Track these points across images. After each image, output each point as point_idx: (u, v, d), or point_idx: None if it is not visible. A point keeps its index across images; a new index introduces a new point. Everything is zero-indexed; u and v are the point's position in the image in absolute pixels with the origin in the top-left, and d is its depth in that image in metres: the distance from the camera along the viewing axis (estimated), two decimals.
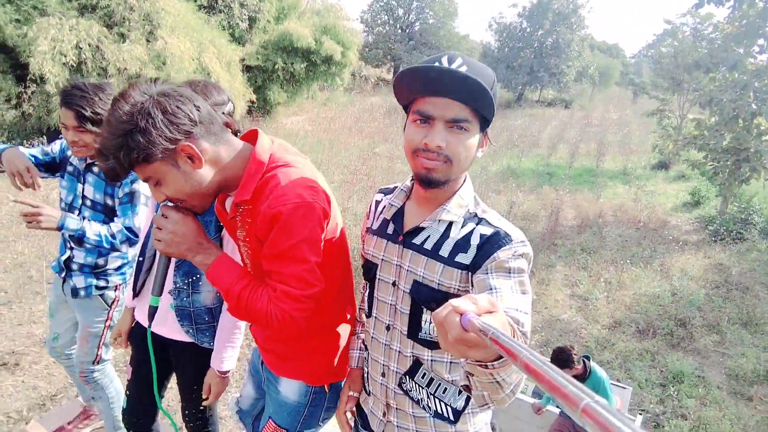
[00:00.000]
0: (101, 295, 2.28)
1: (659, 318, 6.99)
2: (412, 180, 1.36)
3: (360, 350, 1.57)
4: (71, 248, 2.22)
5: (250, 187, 1.26)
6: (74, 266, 2.22)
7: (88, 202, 2.13)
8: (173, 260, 1.50)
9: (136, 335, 2.00)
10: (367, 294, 1.46)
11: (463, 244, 1.23)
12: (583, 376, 3.61)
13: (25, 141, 9.33)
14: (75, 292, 2.24)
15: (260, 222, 1.24)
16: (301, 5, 17.30)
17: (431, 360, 1.31)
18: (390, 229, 1.37)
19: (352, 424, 1.59)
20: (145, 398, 1.94)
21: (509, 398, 0.95)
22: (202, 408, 2.01)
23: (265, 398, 1.71)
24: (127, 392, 2.05)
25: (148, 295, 1.87)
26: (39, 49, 8.65)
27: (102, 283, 2.25)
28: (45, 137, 9.49)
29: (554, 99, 33.00)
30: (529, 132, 21.02)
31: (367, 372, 1.48)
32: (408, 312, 1.31)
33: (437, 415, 1.34)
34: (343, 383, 1.60)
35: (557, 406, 3.76)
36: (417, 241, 1.30)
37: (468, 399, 1.33)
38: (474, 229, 1.24)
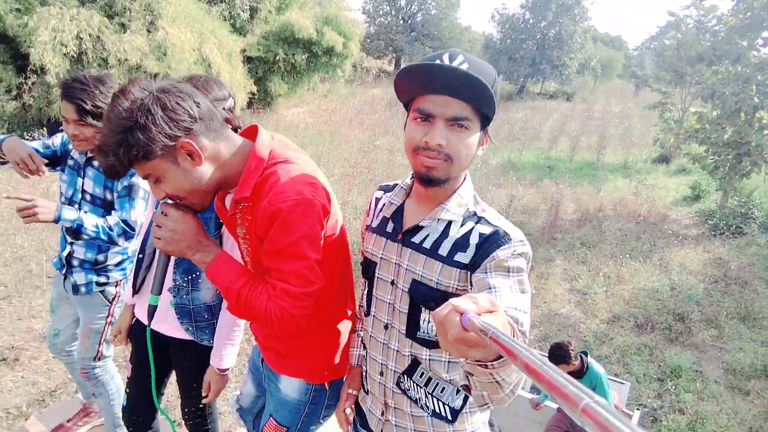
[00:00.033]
0: (102, 292, 2.27)
1: (658, 312, 7.01)
2: (412, 178, 1.35)
3: (359, 348, 1.57)
4: (71, 243, 2.21)
5: (250, 183, 1.25)
6: (75, 262, 2.21)
7: (88, 197, 2.12)
8: (173, 258, 1.49)
9: (136, 332, 2.00)
10: (365, 292, 1.46)
11: (462, 243, 1.23)
12: (581, 372, 3.62)
13: (25, 132, 9.30)
14: (76, 288, 2.23)
15: (260, 219, 1.23)
16: None
17: (429, 359, 1.31)
18: (389, 228, 1.37)
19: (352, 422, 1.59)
20: (145, 396, 1.93)
21: (509, 398, 0.95)
22: (201, 405, 2.01)
23: (265, 396, 1.71)
24: (127, 390, 2.05)
25: (148, 292, 1.88)
26: (39, 40, 8.61)
27: (102, 280, 2.25)
28: (45, 129, 9.46)
29: (556, 91, 32.84)
30: (530, 125, 20.95)
31: (366, 371, 1.48)
32: (406, 311, 1.31)
33: (435, 415, 1.34)
34: (343, 380, 1.60)
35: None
36: (416, 239, 1.29)
37: (466, 398, 1.33)
38: (473, 228, 1.24)
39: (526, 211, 10.81)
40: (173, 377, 2.08)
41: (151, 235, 1.80)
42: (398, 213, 1.36)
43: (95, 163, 2.11)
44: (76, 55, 9.14)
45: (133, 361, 2.01)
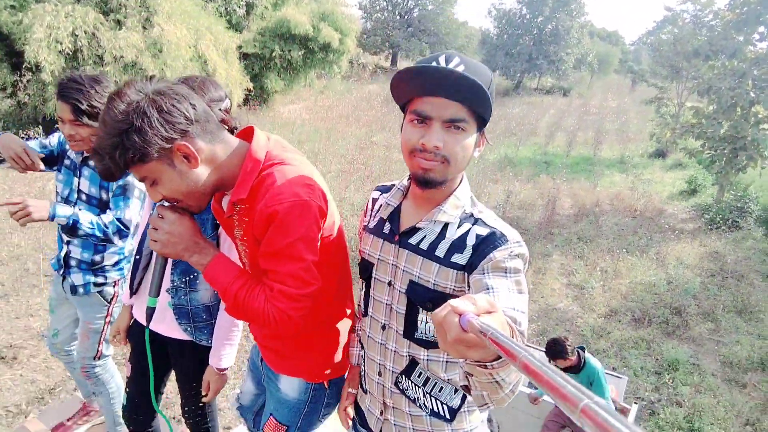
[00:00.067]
0: (100, 292, 2.27)
1: (655, 306, 7.03)
2: (409, 179, 1.35)
3: (359, 348, 1.57)
4: (67, 243, 2.21)
5: (247, 185, 1.25)
6: (72, 262, 2.21)
7: (84, 196, 2.12)
8: (170, 260, 1.49)
9: (135, 333, 2.00)
10: (363, 293, 1.46)
11: (459, 245, 1.23)
12: (578, 367, 3.63)
13: (20, 130, 9.26)
14: (74, 289, 2.23)
15: (257, 221, 1.23)
16: None
17: (427, 359, 1.31)
18: (386, 229, 1.37)
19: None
20: (145, 396, 1.93)
21: (508, 398, 0.95)
22: (201, 404, 2.02)
23: (265, 394, 1.71)
24: (127, 389, 2.05)
25: (146, 294, 1.88)
26: (34, 37, 8.56)
27: (100, 280, 2.25)
28: (41, 127, 9.43)
29: (553, 87, 32.83)
30: (526, 120, 20.95)
31: (364, 370, 1.48)
32: (404, 312, 1.31)
33: (434, 414, 1.35)
34: (342, 379, 1.61)
35: None
36: (413, 241, 1.30)
37: (464, 397, 1.34)
38: (470, 229, 1.25)
39: (523, 207, 10.83)
40: (173, 375, 2.09)
41: (148, 236, 1.80)
42: (395, 214, 1.36)
43: (91, 162, 2.10)
44: (71, 53, 9.09)
45: (133, 361, 2.01)
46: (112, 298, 2.31)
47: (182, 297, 1.81)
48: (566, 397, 0.48)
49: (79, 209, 1.98)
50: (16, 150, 1.95)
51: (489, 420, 1.49)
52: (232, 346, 1.85)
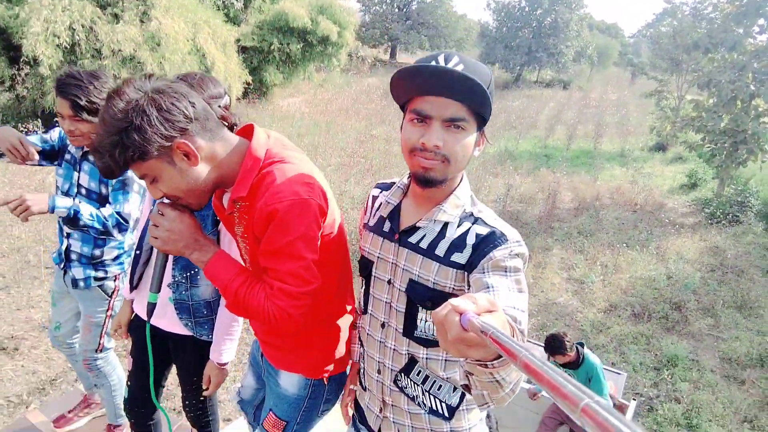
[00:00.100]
0: (100, 286, 2.29)
1: (654, 301, 7.04)
2: (409, 177, 1.35)
3: (359, 344, 1.57)
4: (68, 236, 2.21)
5: (247, 183, 1.25)
6: (73, 256, 2.22)
7: (83, 191, 2.13)
8: (171, 256, 1.50)
9: (136, 327, 2.01)
10: (363, 290, 1.46)
11: (458, 244, 1.23)
12: (576, 363, 3.64)
13: (19, 124, 9.25)
14: (75, 283, 2.25)
15: (257, 219, 1.24)
16: None
17: (426, 358, 1.31)
18: (386, 227, 1.37)
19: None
20: (146, 389, 1.95)
21: (509, 397, 0.96)
22: (202, 398, 2.04)
23: (265, 389, 1.72)
24: (128, 383, 2.07)
25: (146, 289, 1.88)
26: (32, 31, 8.53)
27: (100, 274, 2.26)
28: (40, 120, 9.41)
29: (552, 80, 32.74)
30: (526, 113, 20.93)
31: (364, 368, 1.49)
32: (404, 310, 1.31)
33: (432, 412, 1.35)
34: (341, 375, 1.61)
35: None
36: (413, 239, 1.30)
37: (463, 396, 1.34)
38: (470, 228, 1.25)
39: (523, 200, 10.83)
40: (174, 368, 2.10)
41: (149, 232, 1.80)
42: (395, 212, 1.36)
43: (91, 157, 2.09)
44: (69, 46, 9.07)
45: (134, 355, 2.03)
46: (113, 292, 2.33)
47: (183, 292, 1.82)
48: (567, 397, 0.48)
49: (80, 201, 1.99)
50: (12, 141, 1.96)
51: (488, 416, 1.49)
52: (232, 341, 1.86)
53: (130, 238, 2.31)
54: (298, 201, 1.21)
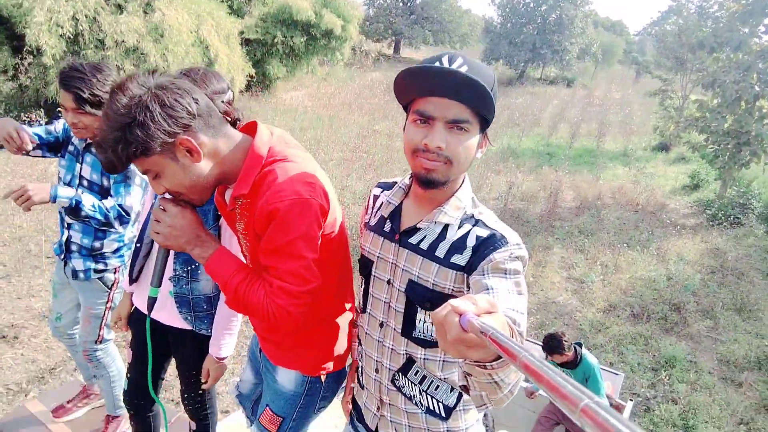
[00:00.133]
0: (100, 278, 2.29)
1: (654, 302, 7.05)
2: (410, 177, 1.35)
3: (358, 343, 1.58)
4: (68, 227, 2.22)
5: (249, 181, 1.25)
6: (73, 247, 2.23)
7: (85, 182, 2.13)
8: (172, 251, 1.50)
9: (136, 320, 2.02)
10: (362, 289, 1.47)
11: (459, 246, 1.24)
12: (574, 363, 3.65)
13: (22, 113, 9.25)
14: (75, 274, 2.25)
15: (258, 217, 1.24)
16: None
17: (424, 358, 1.32)
18: (387, 227, 1.37)
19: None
20: (145, 381, 1.96)
21: (507, 398, 0.96)
22: (200, 392, 2.05)
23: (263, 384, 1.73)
24: (128, 375, 2.08)
25: (146, 282, 1.88)
26: (35, 20, 8.51)
27: (100, 267, 2.27)
28: (42, 110, 9.40)
29: (556, 77, 32.65)
30: (530, 111, 20.89)
31: (362, 366, 1.49)
32: (402, 310, 1.32)
33: (429, 412, 1.35)
34: (339, 373, 1.62)
35: None
36: (413, 240, 1.30)
37: (460, 396, 1.34)
38: (470, 230, 1.25)
39: (524, 198, 10.82)
40: (173, 361, 2.11)
41: (150, 225, 1.80)
42: (396, 213, 1.36)
43: (94, 149, 2.10)
44: (72, 37, 9.05)
45: (134, 348, 2.04)
46: (112, 284, 2.33)
47: (184, 286, 1.82)
48: (566, 397, 0.48)
49: (82, 192, 1.99)
50: (8, 130, 1.96)
51: (485, 415, 1.50)
52: (231, 336, 1.87)
53: (131, 231, 2.31)
54: (299, 200, 1.21)
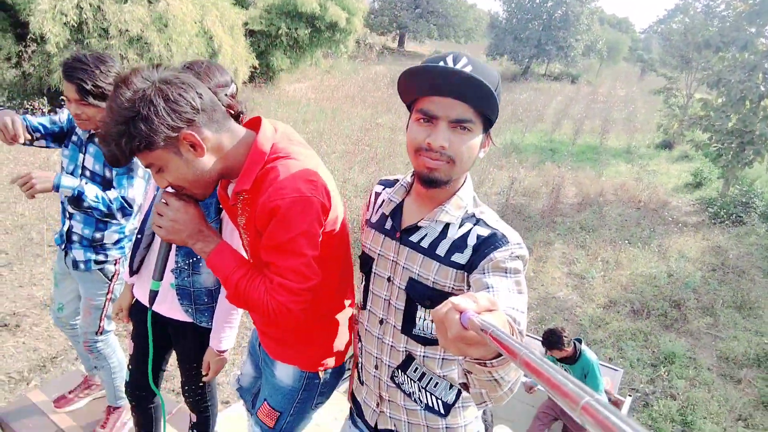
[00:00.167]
0: (101, 270, 2.29)
1: (654, 299, 7.05)
2: (412, 175, 1.35)
3: (358, 340, 1.58)
4: (70, 218, 2.22)
5: (251, 177, 1.26)
6: (74, 237, 2.23)
7: (88, 173, 2.13)
8: (174, 245, 1.51)
9: (137, 311, 2.03)
10: (363, 286, 1.47)
11: (459, 244, 1.24)
12: (573, 358, 3.66)
13: (25, 101, 9.24)
14: (75, 264, 2.26)
15: (259, 214, 1.24)
16: None
17: (423, 356, 1.32)
18: (388, 225, 1.37)
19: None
20: (147, 372, 1.98)
21: (507, 396, 0.96)
22: (201, 384, 2.05)
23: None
24: (129, 367, 2.09)
25: (147, 274, 1.88)
26: (39, 8, 8.48)
27: (101, 258, 2.26)
28: (46, 98, 9.39)
29: (561, 73, 32.48)
30: (533, 106, 20.83)
31: (361, 363, 1.50)
32: (403, 308, 1.32)
33: (428, 409, 1.36)
34: (337, 370, 1.62)
35: None
36: (414, 238, 1.30)
37: (459, 393, 1.35)
38: (471, 229, 1.25)
39: (527, 194, 10.81)
40: (174, 355, 2.12)
41: (151, 216, 1.80)
42: (397, 211, 1.37)
43: (97, 140, 2.09)
44: (76, 25, 9.01)
45: (135, 340, 2.04)
46: (113, 276, 2.33)
47: (185, 278, 1.83)
48: (567, 395, 0.49)
49: (85, 182, 1.99)
50: (4, 121, 1.96)
51: (483, 410, 1.50)
52: (231, 329, 1.87)
53: (132, 223, 2.31)
54: (300, 198, 1.21)
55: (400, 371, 1.37)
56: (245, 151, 1.28)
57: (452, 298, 0.77)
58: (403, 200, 1.37)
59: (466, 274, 1.22)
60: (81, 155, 2.14)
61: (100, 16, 9.32)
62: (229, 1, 13.01)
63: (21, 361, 3.84)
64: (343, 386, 1.77)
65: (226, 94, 1.65)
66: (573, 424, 3.72)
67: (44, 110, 8.90)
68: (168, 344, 2.04)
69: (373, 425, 1.48)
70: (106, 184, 2.12)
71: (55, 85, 9.08)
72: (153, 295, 1.41)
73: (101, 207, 1.99)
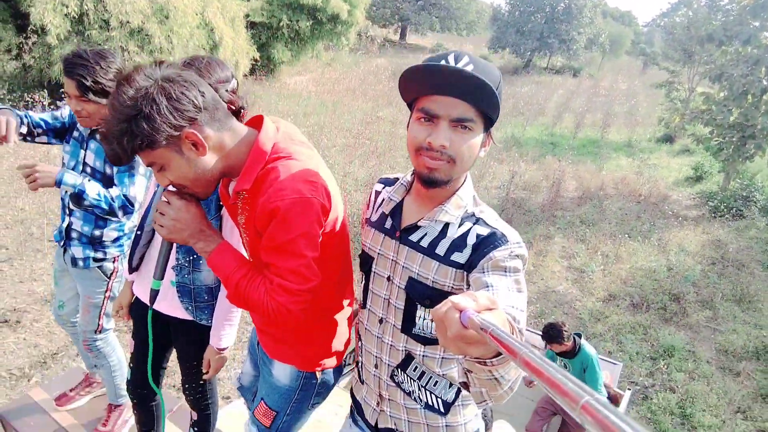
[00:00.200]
0: (99, 267, 2.28)
1: (654, 292, 7.07)
2: (412, 174, 1.35)
3: (358, 339, 1.58)
4: (69, 214, 2.21)
5: (251, 176, 1.26)
6: (73, 234, 2.21)
7: (89, 169, 2.11)
8: (175, 243, 1.51)
9: (137, 309, 2.02)
10: (363, 285, 1.47)
11: (459, 244, 1.24)
12: (572, 352, 3.67)
13: (25, 94, 9.21)
14: (74, 261, 2.24)
15: (259, 214, 1.24)
16: None
17: (423, 355, 1.33)
18: (387, 224, 1.37)
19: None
20: (147, 371, 1.98)
21: (507, 395, 0.96)
22: (201, 382, 2.05)
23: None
24: (131, 365, 2.08)
25: (146, 271, 1.87)
26: None
27: (99, 255, 2.25)
28: (46, 91, 9.36)
29: (563, 66, 32.34)
30: (535, 100, 20.76)
31: (361, 362, 1.50)
32: (402, 307, 1.32)
33: (428, 407, 1.37)
34: (335, 370, 1.62)
35: None
36: (414, 238, 1.30)
37: (458, 391, 1.35)
38: (471, 228, 1.25)
39: (527, 188, 10.80)
40: (174, 353, 2.12)
41: (151, 212, 1.80)
42: (397, 210, 1.36)
43: (98, 136, 2.08)
44: (77, 16, 8.98)
45: (136, 338, 2.04)
46: (111, 274, 2.31)
47: (186, 276, 1.82)
48: (567, 394, 0.49)
49: (88, 180, 1.98)
50: None
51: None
52: (231, 327, 1.87)
53: (131, 222, 2.30)
54: (300, 199, 1.21)
55: (399, 370, 1.38)
56: (247, 150, 1.28)
57: (452, 297, 0.77)
58: (403, 199, 1.37)
59: (465, 273, 1.22)
60: (82, 151, 2.13)
61: (101, 8, 9.28)
62: None
63: (22, 358, 3.84)
64: (344, 381, 1.77)
65: (226, 90, 1.65)
66: (571, 419, 3.74)
67: (45, 103, 8.88)
68: (168, 342, 2.03)
69: (373, 424, 1.49)
70: (106, 181, 2.10)
71: (56, 77, 9.04)
72: (154, 294, 1.41)
73: (103, 205, 1.98)
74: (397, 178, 1.43)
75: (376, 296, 1.39)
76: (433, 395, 1.35)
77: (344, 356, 1.64)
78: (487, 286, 1.09)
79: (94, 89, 1.90)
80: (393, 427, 1.45)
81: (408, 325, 1.32)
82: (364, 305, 1.46)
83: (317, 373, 1.56)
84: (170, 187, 1.29)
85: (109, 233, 2.24)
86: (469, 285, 1.20)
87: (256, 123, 1.35)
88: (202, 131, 1.18)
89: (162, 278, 1.39)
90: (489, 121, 1.19)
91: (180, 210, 1.27)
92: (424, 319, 1.30)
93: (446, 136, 1.15)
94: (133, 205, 2.06)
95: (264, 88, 14.69)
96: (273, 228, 1.23)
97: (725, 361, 5.80)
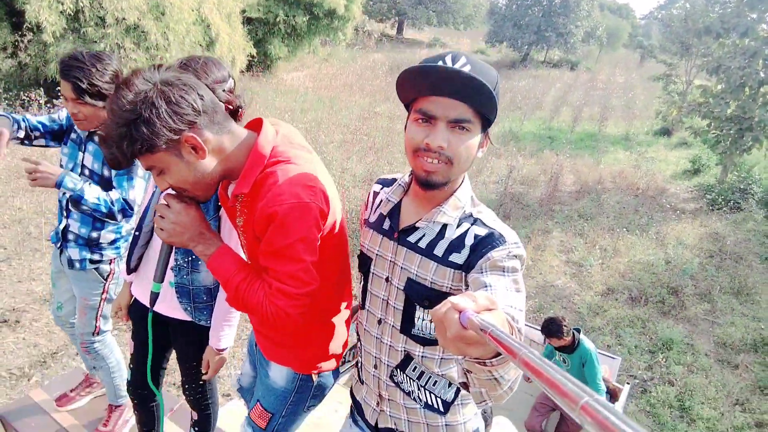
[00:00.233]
0: (96, 269, 2.27)
1: (652, 286, 7.09)
2: (410, 175, 1.35)
3: (357, 339, 1.59)
4: (67, 216, 2.20)
5: (250, 180, 1.26)
6: (70, 236, 2.21)
7: (87, 172, 2.11)
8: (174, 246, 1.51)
9: (135, 311, 2.02)
10: (361, 286, 1.48)
11: (457, 244, 1.24)
12: (571, 347, 3.68)
13: (21, 92, 9.17)
14: (71, 263, 2.23)
15: (257, 219, 1.24)
16: None
17: (422, 355, 1.33)
18: (386, 225, 1.38)
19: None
20: (147, 372, 1.98)
21: (507, 395, 0.97)
22: (201, 382, 2.06)
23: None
24: (131, 366, 2.09)
25: (145, 272, 1.87)
26: None
27: (96, 257, 2.24)
28: (42, 89, 9.32)
29: (560, 60, 32.29)
30: (532, 94, 20.73)
31: (361, 362, 1.51)
32: (401, 308, 1.33)
33: (428, 407, 1.37)
34: (331, 374, 1.62)
35: None
36: (412, 239, 1.30)
37: (458, 391, 1.36)
38: (469, 229, 1.25)
39: (525, 182, 10.80)
40: (174, 353, 2.12)
41: (149, 213, 1.80)
42: (395, 211, 1.37)
43: (96, 138, 2.08)
44: (72, 13, 8.93)
45: (135, 339, 2.04)
46: (108, 276, 2.30)
47: (185, 276, 1.82)
48: (566, 394, 0.49)
49: (88, 183, 1.98)
50: None
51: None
52: (230, 327, 1.87)
53: (129, 224, 2.29)
54: (298, 204, 1.21)
55: (398, 371, 1.38)
56: (246, 153, 1.28)
57: (451, 298, 0.77)
58: (401, 200, 1.37)
59: (464, 273, 1.22)
60: (80, 153, 2.12)
61: (96, 5, 9.23)
62: None
63: (21, 357, 3.84)
64: (343, 378, 1.78)
65: (224, 90, 1.64)
66: (570, 416, 3.75)
67: (41, 101, 8.84)
68: (168, 343, 2.03)
69: (373, 424, 1.50)
70: (104, 183, 2.09)
71: (52, 75, 9.00)
72: (154, 297, 1.41)
73: (102, 209, 1.98)
74: (395, 179, 1.43)
75: (375, 297, 1.40)
76: (432, 395, 1.36)
77: (344, 354, 1.64)
78: (486, 287, 1.09)
79: (90, 92, 1.89)
80: (393, 426, 1.45)
81: (407, 325, 1.33)
82: (363, 306, 1.46)
83: (314, 375, 1.56)
84: (170, 190, 1.28)
85: (106, 235, 2.23)
86: (467, 285, 1.20)
87: (256, 126, 1.35)
88: (201, 135, 1.18)
89: (162, 281, 1.39)
90: (487, 121, 1.19)
91: (180, 213, 1.27)
92: (423, 319, 1.30)
93: (444, 137, 1.15)
94: (132, 209, 2.06)
95: (261, 85, 14.65)
96: (271, 232, 1.23)
97: (723, 353, 5.82)
